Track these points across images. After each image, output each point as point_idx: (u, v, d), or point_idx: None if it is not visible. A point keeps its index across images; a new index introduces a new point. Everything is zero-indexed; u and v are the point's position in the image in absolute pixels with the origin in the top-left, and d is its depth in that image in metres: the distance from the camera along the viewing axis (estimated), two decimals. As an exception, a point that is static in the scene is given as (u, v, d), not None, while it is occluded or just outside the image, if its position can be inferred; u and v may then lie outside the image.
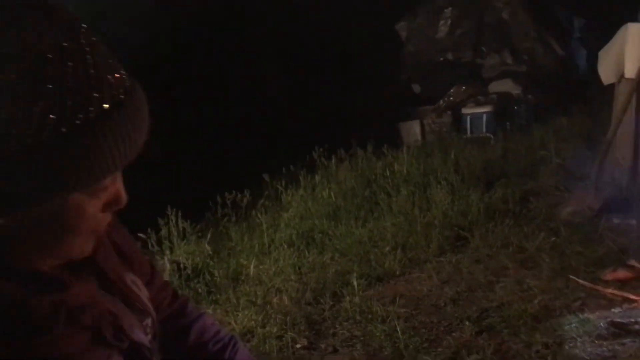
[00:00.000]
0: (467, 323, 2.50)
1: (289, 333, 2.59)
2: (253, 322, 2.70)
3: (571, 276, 2.46)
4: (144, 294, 0.91)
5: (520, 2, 6.32)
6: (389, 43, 6.87)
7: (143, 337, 0.84)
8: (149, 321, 0.89)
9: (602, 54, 3.82)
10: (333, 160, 4.65)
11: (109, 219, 0.77)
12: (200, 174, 4.46)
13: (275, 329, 2.62)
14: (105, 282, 0.82)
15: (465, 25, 6.70)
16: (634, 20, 3.76)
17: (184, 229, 3.52)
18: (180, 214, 3.58)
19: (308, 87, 6.06)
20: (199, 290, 3.06)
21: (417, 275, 3.11)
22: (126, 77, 0.68)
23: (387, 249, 3.35)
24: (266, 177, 4.33)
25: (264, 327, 2.66)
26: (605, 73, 3.74)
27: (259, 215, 3.89)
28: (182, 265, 3.16)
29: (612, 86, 3.80)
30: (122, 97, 0.67)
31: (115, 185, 0.73)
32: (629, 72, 3.53)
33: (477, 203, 3.69)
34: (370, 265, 3.20)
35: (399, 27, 6.95)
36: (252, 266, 3.21)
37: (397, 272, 3.15)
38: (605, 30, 3.99)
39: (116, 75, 0.67)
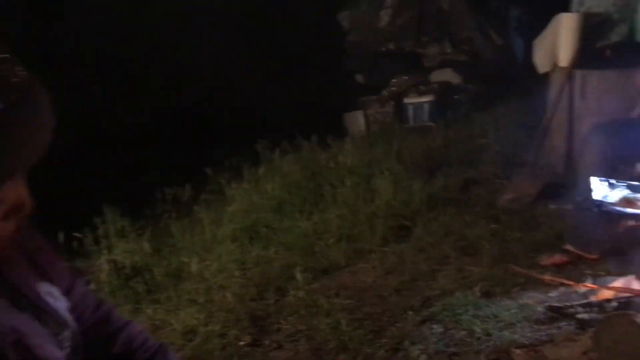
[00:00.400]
0: (410, 313, 2.52)
1: (232, 331, 2.54)
2: (195, 321, 2.64)
3: (509, 264, 2.50)
4: (61, 304, 0.86)
5: (459, -9, 6.40)
6: (332, 33, 6.85)
7: (56, 352, 0.79)
8: (67, 333, 0.84)
9: (537, 43, 3.91)
10: (277, 153, 4.60)
11: (13, 228, 0.71)
12: (139, 170, 4.32)
13: (218, 327, 2.57)
14: (14, 297, 0.76)
15: (406, 15, 6.73)
16: (567, 10, 3.86)
17: (122, 227, 3.41)
18: (118, 211, 3.47)
19: (250, 78, 5.98)
20: (139, 289, 2.97)
21: (362, 266, 3.12)
22: (24, 75, 0.62)
23: (332, 241, 3.34)
24: (208, 170, 4.24)
25: (206, 325, 2.60)
26: (541, 62, 3.83)
27: (201, 210, 3.81)
28: (120, 265, 3.06)
29: (547, 74, 3.90)
30: (18, 96, 0.61)
31: (17, 191, 0.68)
32: (563, 61, 3.63)
33: (420, 192, 3.72)
34: (315, 258, 3.18)
35: (340, 17, 6.93)
36: (194, 263, 3.13)
37: (342, 264, 3.14)
38: (540, 20, 4.08)
39: (11, 73, 0.61)
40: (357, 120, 6.17)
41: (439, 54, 6.45)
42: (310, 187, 4.14)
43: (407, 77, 6.32)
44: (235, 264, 3.14)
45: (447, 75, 6.20)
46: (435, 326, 2.36)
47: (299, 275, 2.89)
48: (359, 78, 6.89)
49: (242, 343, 2.51)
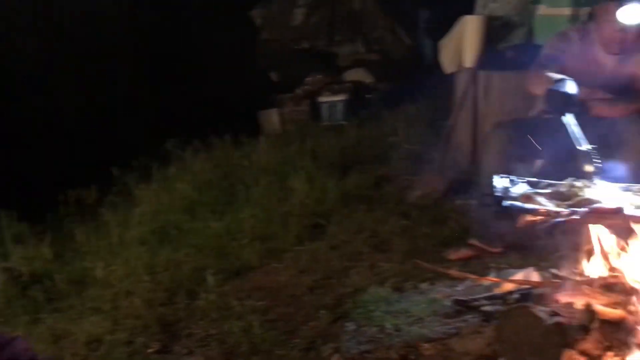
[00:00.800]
0: (323, 311, 2.52)
1: (140, 338, 2.44)
2: (100, 329, 2.51)
3: (418, 260, 2.56)
4: None
5: (370, -8, 6.50)
6: (245, 30, 6.77)
7: None
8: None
9: (443, 44, 4.04)
10: (188, 151, 4.48)
11: None
12: (39, 171, 4.07)
13: (125, 335, 2.46)
14: None
15: (319, 13, 6.77)
16: (471, 12, 4.01)
17: (20, 232, 3.19)
18: (15, 216, 3.25)
19: (160, 76, 5.79)
20: (38, 298, 2.79)
21: (276, 266, 3.09)
22: None
23: (245, 241, 3.29)
24: (115, 170, 4.06)
25: (112, 333, 2.48)
26: (447, 62, 3.96)
27: (107, 212, 3.64)
28: (17, 273, 2.86)
29: (453, 74, 4.03)
30: None
31: None
32: (467, 62, 3.76)
33: (334, 190, 3.74)
34: (228, 260, 3.12)
35: (254, 13, 6.86)
36: (99, 268, 2.99)
37: (255, 265, 3.10)
38: (447, 22, 4.20)
39: None
40: (271, 119, 6.12)
41: (352, 54, 6.52)
42: (222, 187, 4.06)
43: (321, 76, 6.35)
44: (143, 268, 3.02)
45: (359, 74, 6.29)
46: (348, 324, 2.37)
47: (210, 278, 2.83)
48: (274, 76, 6.86)
49: (150, 350, 2.41)
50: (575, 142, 2.17)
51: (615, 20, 2.65)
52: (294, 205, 3.60)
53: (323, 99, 6.03)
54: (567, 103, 2.27)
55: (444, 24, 4.29)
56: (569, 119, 2.23)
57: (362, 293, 2.59)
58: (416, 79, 5.57)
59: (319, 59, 6.66)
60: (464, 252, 2.89)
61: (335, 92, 6.09)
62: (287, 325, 2.49)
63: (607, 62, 2.80)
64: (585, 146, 2.14)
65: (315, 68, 6.45)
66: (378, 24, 6.50)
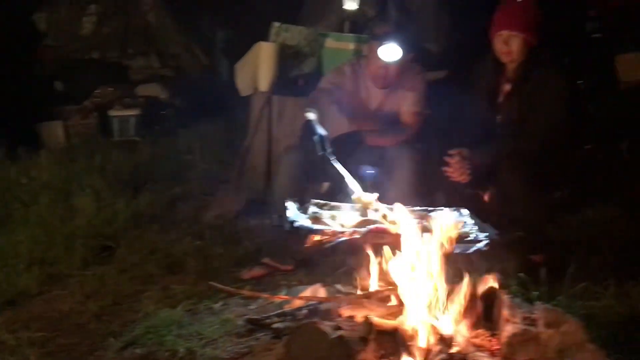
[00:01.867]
0: (111, 339, 2.39)
1: None
2: None
3: (210, 281, 2.56)
4: None
5: (166, 7, 6.40)
6: (26, 34, 6.18)
7: None
8: None
9: (238, 67, 4.13)
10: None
11: None
12: None
13: None
14: None
15: (112, 24, 6.47)
16: (266, 38, 4.16)
17: None
18: None
19: None
20: None
21: (58, 292, 2.85)
22: None
23: (22, 266, 2.99)
24: None
25: None
26: (242, 85, 4.06)
27: None
28: None
29: (249, 97, 4.14)
30: None
31: None
32: (262, 86, 3.89)
33: (124, 210, 3.58)
34: (0, 287, 2.80)
35: (36, 18, 6.31)
36: None
37: (34, 292, 2.83)
38: (244, 43, 4.30)
39: None
40: (54, 132, 5.65)
41: (146, 68, 6.35)
42: (-5, 206, 3.65)
43: (112, 89, 6.06)
44: None
45: (154, 89, 6.13)
46: (138, 350, 2.28)
47: (-25, 310, 2.51)
48: (58, 86, 6.36)
49: None
50: (341, 176, 2.42)
51: (378, 57, 2.98)
52: (80, 226, 3.37)
53: (114, 112, 5.76)
54: (320, 143, 2.54)
55: (242, 46, 4.38)
56: (326, 155, 2.50)
57: (153, 317, 2.51)
58: (213, 97, 5.61)
59: (110, 71, 6.35)
60: (257, 271, 2.96)
61: (127, 106, 5.85)
62: (69, 356, 2.31)
63: (377, 95, 3.14)
64: (349, 178, 2.39)
65: (106, 80, 6.14)
66: (174, 39, 6.43)
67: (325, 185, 3.37)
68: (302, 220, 2.20)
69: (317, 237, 2.14)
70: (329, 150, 2.63)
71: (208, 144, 4.85)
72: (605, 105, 4.92)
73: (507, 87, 2.98)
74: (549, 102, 2.82)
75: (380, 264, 2.20)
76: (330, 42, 4.09)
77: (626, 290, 2.61)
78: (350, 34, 4.11)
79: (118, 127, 5.67)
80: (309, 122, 2.73)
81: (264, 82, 3.85)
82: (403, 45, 2.93)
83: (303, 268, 2.98)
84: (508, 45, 2.86)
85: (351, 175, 2.57)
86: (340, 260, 2.89)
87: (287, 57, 4.01)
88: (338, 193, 2.81)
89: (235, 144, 4.41)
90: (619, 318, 2.38)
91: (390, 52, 2.93)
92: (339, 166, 2.52)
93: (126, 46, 6.36)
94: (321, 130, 2.68)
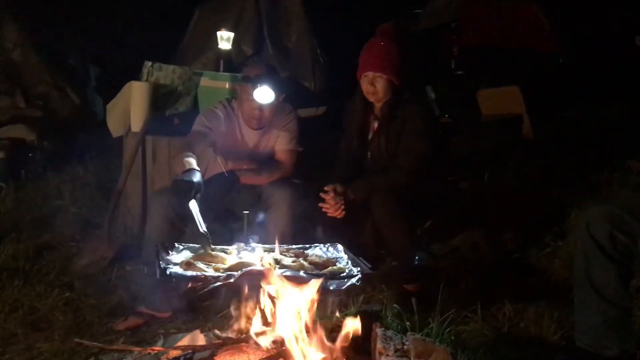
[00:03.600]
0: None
1: None
2: None
3: (78, 339, 2.40)
4: None
5: (32, 44, 6.07)
6: None
7: None
8: None
9: (109, 107, 3.99)
10: None
11: None
12: None
13: None
14: None
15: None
16: (138, 78, 4.06)
17: None
18: None
19: None
20: None
21: None
22: None
23: None
24: None
25: None
26: (113, 126, 3.92)
27: None
28: None
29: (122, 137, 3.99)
30: None
31: None
32: (135, 126, 3.78)
33: (-17, 264, 3.29)
34: None
35: None
36: None
37: None
38: (119, 82, 4.15)
39: None
40: None
41: (11, 108, 5.94)
42: None
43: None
44: None
45: (20, 131, 5.73)
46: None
47: None
48: None
49: None
50: (198, 225, 2.40)
51: (252, 99, 3.00)
52: None
53: (-25, 157, 5.31)
54: (189, 192, 2.51)
55: (117, 84, 4.23)
56: (192, 205, 2.47)
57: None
58: (85, 138, 5.36)
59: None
60: (132, 321, 2.83)
61: (-10, 149, 5.42)
62: None
63: (251, 136, 3.15)
64: (204, 230, 2.38)
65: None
66: (41, 78, 6.09)
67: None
68: (173, 266, 2.14)
69: (191, 284, 2.08)
70: (197, 197, 2.57)
71: (80, 187, 4.59)
72: (468, 137, 5.31)
73: (375, 124, 3.11)
74: (413, 137, 2.97)
75: (257, 306, 2.18)
76: (205, 81, 4.07)
77: (492, 312, 2.78)
78: (226, 73, 4.12)
79: (-21, 172, 5.23)
80: (186, 172, 2.65)
81: (137, 122, 3.74)
82: (275, 86, 2.97)
83: (182, 314, 2.88)
84: (374, 85, 3.00)
85: (228, 216, 2.54)
86: (220, 303, 2.83)
87: (160, 96, 3.93)
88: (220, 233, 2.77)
89: (109, 186, 4.22)
90: (486, 340, 2.53)
91: (264, 94, 2.96)
92: (198, 217, 2.48)
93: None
94: (196, 178, 2.61)
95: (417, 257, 3.03)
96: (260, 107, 3.03)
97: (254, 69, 3.12)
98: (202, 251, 2.33)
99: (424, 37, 7.15)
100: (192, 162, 2.73)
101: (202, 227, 2.42)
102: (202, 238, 2.39)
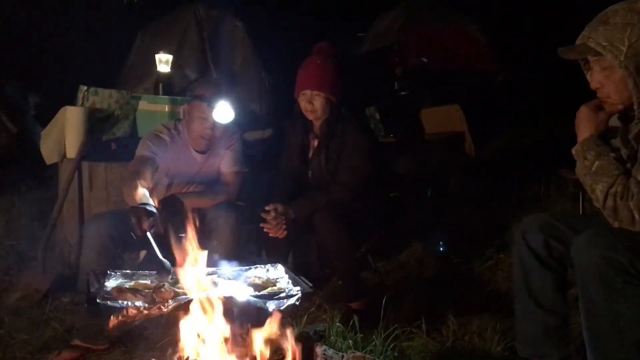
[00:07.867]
0: None
1: None
2: None
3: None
4: None
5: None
6: None
7: None
8: None
9: (44, 133, 3.86)
10: None
11: None
12: None
13: None
14: None
15: None
16: (73, 103, 3.95)
17: None
18: None
19: None
20: None
21: None
22: None
23: None
24: None
25: None
26: (48, 153, 3.79)
27: None
28: None
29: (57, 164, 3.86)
30: None
31: None
32: (70, 153, 3.66)
33: None
34: None
35: None
36: None
37: None
38: (55, 109, 4.01)
39: None
40: None
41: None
42: None
43: None
44: None
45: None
46: None
47: None
48: None
49: None
50: (157, 254, 2.30)
51: (206, 118, 2.94)
52: None
53: None
54: (152, 220, 2.39)
55: (53, 111, 4.10)
56: (149, 234, 2.36)
57: None
58: (22, 168, 5.18)
59: None
60: (66, 355, 2.67)
61: None
62: None
63: (197, 158, 3.08)
64: (163, 259, 2.28)
65: None
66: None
67: (142, 253, 3.20)
68: (104, 295, 2.04)
69: (122, 314, 1.98)
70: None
71: (14, 218, 4.40)
72: (413, 155, 5.38)
73: (315, 142, 3.10)
74: (353, 153, 2.97)
75: (194, 333, 2.10)
76: (144, 105, 4.00)
77: (437, 326, 2.77)
78: (165, 96, 4.05)
79: None
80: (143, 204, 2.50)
81: (72, 148, 3.62)
82: (232, 104, 2.94)
83: (120, 345, 2.76)
84: (312, 103, 2.99)
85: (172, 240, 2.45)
86: (160, 332, 2.73)
87: (97, 121, 3.83)
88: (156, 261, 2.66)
89: (46, 215, 4.06)
90: (430, 354, 2.51)
91: (224, 112, 2.91)
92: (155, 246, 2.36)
93: None
94: (154, 210, 2.49)
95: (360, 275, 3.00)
96: (212, 127, 2.97)
97: (208, 88, 3.05)
98: (155, 282, 2.22)
99: (368, 59, 7.26)
100: (146, 193, 2.59)
101: (160, 256, 2.31)
102: (161, 267, 2.28)
